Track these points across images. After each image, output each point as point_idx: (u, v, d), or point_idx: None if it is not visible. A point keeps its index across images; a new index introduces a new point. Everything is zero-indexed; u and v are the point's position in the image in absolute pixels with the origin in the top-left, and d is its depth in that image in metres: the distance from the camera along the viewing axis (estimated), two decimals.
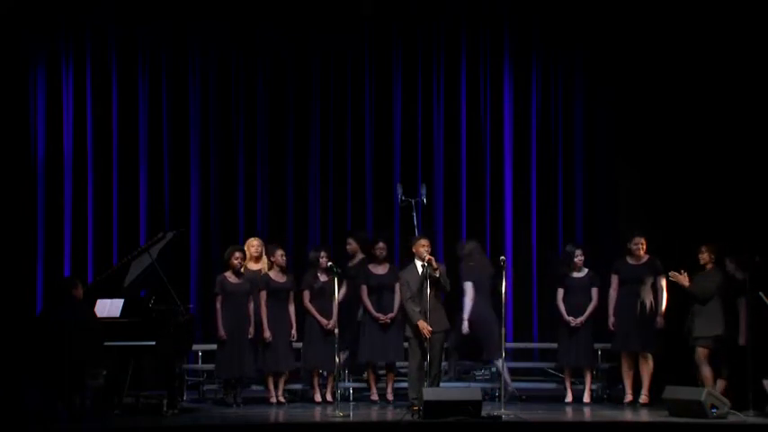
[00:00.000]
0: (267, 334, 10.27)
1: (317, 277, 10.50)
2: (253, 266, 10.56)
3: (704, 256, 10.05)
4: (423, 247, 9.80)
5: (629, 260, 10.44)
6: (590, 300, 10.45)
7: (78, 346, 9.15)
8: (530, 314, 12.18)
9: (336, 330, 9.91)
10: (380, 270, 10.59)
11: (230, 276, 10.29)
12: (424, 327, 9.60)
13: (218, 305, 10.20)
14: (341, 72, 12.43)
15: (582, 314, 10.38)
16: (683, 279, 10.01)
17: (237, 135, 12.33)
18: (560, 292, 10.55)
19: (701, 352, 9.85)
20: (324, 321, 10.35)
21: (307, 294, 10.48)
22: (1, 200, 11.64)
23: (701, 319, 9.89)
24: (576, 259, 10.51)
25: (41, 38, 12.02)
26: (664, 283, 10.30)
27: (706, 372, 9.78)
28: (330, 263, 10.04)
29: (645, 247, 10.40)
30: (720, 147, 11.40)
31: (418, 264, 9.81)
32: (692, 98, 11.56)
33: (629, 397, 10.38)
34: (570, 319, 10.38)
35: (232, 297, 10.21)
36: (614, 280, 10.44)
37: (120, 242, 11.99)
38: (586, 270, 10.55)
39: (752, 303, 9.63)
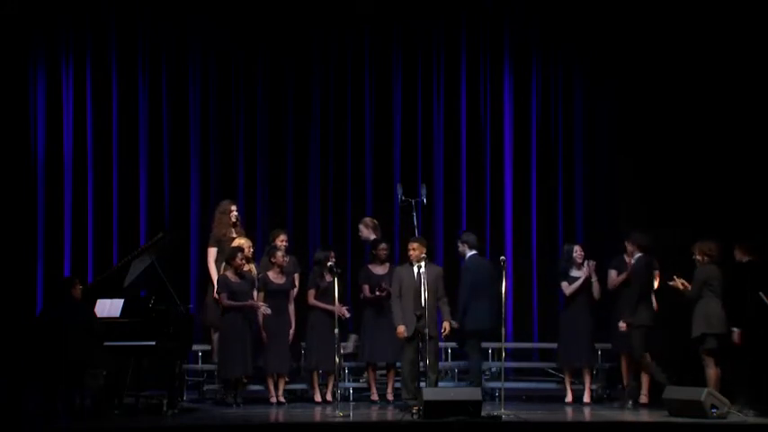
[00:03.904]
0: (264, 335, 10.26)
1: (324, 276, 10.48)
2: (245, 267, 10.51)
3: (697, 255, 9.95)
4: (410, 250, 9.84)
5: (627, 259, 10.41)
6: (591, 297, 10.41)
7: (78, 346, 9.16)
8: (530, 314, 12.17)
9: (336, 331, 9.88)
10: (380, 270, 10.60)
11: (231, 276, 10.28)
12: (402, 332, 9.70)
13: (227, 300, 10.14)
14: (341, 72, 12.42)
15: (582, 313, 10.36)
16: (679, 284, 9.92)
17: (237, 135, 12.32)
18: (565, 284, 10.48)
19: (706, 353, 9.77)
20: (338, 309, 10.07)
21: (312, 293, 10.48)
22: (1, 200, 11.63)
23: (700, 318, 9.81)
24: (574, 255, 10.49)
25: (41, 38, 12.02)
26: (656, 282, 10.27)
27: (711, 372, 9.69)
28: (330, 263, 10.06)
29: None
30: (720, 147, 11.41)
31: (414, 266, 9.82)
32: (693, 96, 11.58)
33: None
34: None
35: (234, 297, 10.19)
36: (612, 276, 10.42)
37: (120, 242, 11.98)
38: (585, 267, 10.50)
39: (752, 303, 9.60)
